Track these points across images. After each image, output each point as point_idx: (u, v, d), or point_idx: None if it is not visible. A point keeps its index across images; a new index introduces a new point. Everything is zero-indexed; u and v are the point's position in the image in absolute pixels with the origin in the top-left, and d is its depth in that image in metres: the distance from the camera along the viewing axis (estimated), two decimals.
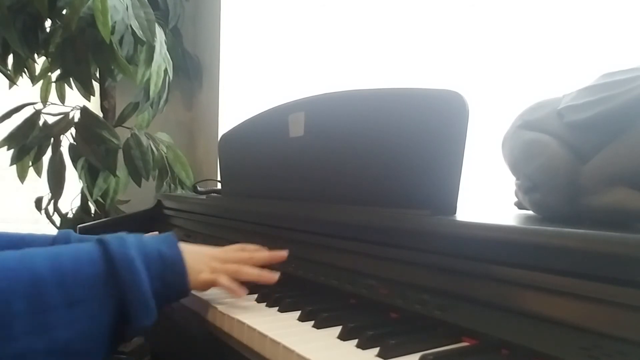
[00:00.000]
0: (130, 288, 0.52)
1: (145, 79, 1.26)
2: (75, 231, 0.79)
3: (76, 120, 1.30)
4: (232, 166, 0.94)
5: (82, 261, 0.52)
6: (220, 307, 0.57)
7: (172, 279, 0.55)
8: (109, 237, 0.55)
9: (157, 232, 0.69)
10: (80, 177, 1.30)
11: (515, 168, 0.59)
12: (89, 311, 0.50)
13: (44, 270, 0.50)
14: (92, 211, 1.40)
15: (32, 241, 0.69)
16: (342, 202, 0.65)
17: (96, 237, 0.56)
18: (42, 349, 0.48)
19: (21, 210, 1.57)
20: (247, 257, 0.62)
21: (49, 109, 1.36)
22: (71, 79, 1.32)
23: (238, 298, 0.58)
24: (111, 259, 0.52)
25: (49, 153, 1.32)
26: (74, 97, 1.40)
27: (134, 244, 0.54)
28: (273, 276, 0.59)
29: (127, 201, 1.46)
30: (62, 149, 1.32)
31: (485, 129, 0.86)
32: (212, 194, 1.06)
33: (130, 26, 1.19)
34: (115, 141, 1.28)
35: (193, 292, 0.59)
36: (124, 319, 0.52)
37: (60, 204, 1.37)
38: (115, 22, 1.15)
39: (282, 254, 0.63)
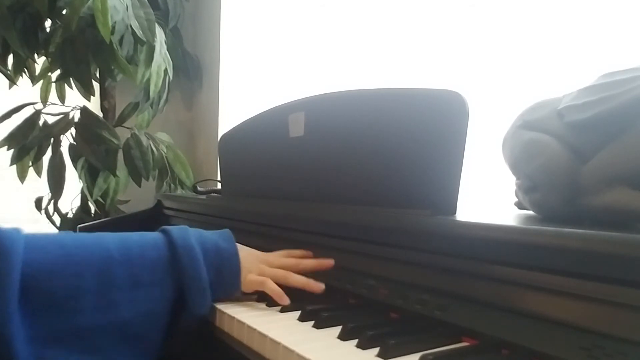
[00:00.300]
0: (190, 275, 0.54)
1: (145, 79, 1.25)
2: (75, 231, 0.79)
3: (76, 120, 1.30)
4: (232, 166, 0.94)
5: (147, 246, 0.55)
6: (220, 307, 0.57)
7: (227, 272, 0.57)
8: (171, 227, 0.58)
9: None
10: (80, 177, 1.30)
11: (515, 168, 0.59)
12: (150, 294, 0.53)
13: (114, 251, 0.52)
14: (92, 211, 1.40)
15: None
16: (342, 202, 0.65)
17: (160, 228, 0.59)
18: (105, 326, 0.50)
19: (21, 210, 1.56)
20: (294, 263, 0.62)
21: (49, 109, 1.36)
22: (71, 79, 1.32)
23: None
24: (174, 246, 0.55)
25: (49, 153, 1.32)
26: (74, 97, 1.40)
27: (194, 235, 0.57)
28: (320, 285, 0.58)
29: (127, 201, 1.46)
30: (62, 149, 1.32)
31: (485, 129, 0.86)
32: (212, 194, 1.06)
33: (130, 26, 1.19)
34: (115, 141, 1.27)
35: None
36: (180, 306, 0.55)
37: (60, 204, 1.37)
38: (115, 22, 1.15)
39: (329, 262, 0.61)
